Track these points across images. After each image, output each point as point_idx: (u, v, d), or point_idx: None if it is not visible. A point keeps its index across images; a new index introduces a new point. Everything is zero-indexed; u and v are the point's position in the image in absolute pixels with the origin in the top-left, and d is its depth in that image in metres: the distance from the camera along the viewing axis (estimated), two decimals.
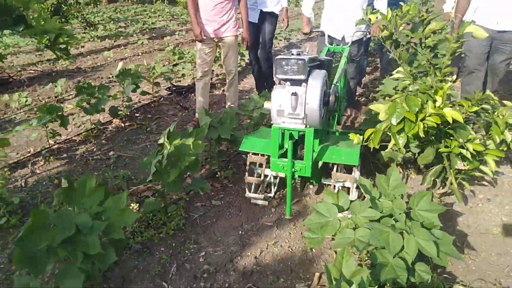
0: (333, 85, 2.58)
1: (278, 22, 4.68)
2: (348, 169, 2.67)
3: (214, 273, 2.20)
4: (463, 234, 2.44)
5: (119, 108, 4.28)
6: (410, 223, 1.82)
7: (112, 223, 1.87)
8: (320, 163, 2.60)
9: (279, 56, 2.23)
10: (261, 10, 4.32)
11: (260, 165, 2.80)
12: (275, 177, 2.96)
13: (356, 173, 2.58)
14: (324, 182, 2.82)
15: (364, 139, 2.34)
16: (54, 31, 1.77)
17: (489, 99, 2.42)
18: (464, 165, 2.30)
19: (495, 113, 2.37)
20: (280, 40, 8.62)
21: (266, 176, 2.83)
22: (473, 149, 2.23)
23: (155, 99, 5.08)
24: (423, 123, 2.09)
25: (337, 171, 2.56)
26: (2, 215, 2.63)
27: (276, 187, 2.95)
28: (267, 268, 2.25)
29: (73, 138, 3.99)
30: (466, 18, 3.29)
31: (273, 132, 2.41)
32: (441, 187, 2.66)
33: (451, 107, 2.13)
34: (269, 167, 2.58)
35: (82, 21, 10.47)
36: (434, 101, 2.13)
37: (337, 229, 1.90)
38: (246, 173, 2.76)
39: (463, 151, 2.26)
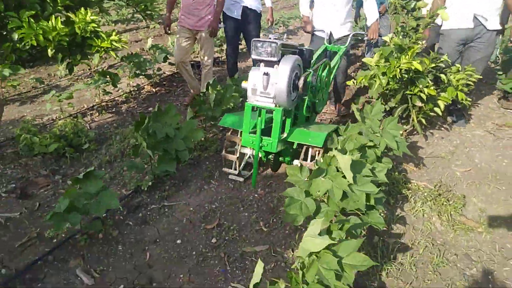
0: (307, 71, 2.75)
1: (262, 20, 4.74)
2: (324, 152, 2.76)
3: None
4: (421, 157, 3.42)
5: (152, 75, 5.17)
6: (382, 133, 2.77)
7: (187, 136, 2.81)
8: (295, 145, 2.80)
9: (255, 39, 2.47)
10: (243, 6, 4.26)
11: (238, 144, 2.99)
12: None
13: (321, 158, 2.64)
14: (295, 163, 2.92)
15: (357, 82, 3.25)
16: (145, 1, 2.65)
17: (443, 60, 3.37)
18: (422, 104, 3.26)
19: (447, 70, 3.33)
20: (280, 26, 9.51)
21: (244, 154, 3.07)
22: (428, 93, 3.19)
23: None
24: (399, 69, 3.03)
25: (309, 155, 2.74)
26: (84, 143, 3.53)
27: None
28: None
29: (116, 98, 4.88)
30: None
31: (246, 108, 2.61)
32: (407, 125, 3.62)
33: (417, 62, 3.07)
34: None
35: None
36: (407, 55, 3.07)
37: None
38: (223, 150, 3.01)
39: (422, 95, 3.22)
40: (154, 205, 2.78)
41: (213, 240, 2.48)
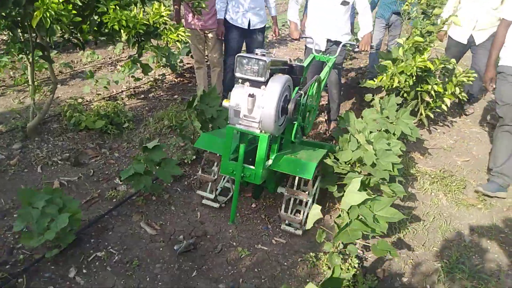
0: (296, 92, 2.51)
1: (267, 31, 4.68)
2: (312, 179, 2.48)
3: None
4: (426, 148, 3.85)
5: (175, 66, 5.53)
6: (397, 122, 3.19)
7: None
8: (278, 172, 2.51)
9: (240, 54, 2.17)
10: (250, 16, 4.08)
11: (216, 164, 2.77)
12: (232, 181, 2.86)
13: (311, 188, 2.53)
14: (280, 191, 2.70)
15: (378, 80, 3.65)
16: None
17: (451, 63, 3.83)
18: (429, 100, 3.71)
19: (454, 71, 3.79)
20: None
21: (221, 176, 2.82)
22: (437, 90, 3.63)
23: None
24: (415, 67, 3.45)
25: (296, 182, 2.49)
26: (123, 122, 3.87)
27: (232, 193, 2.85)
28: None
29: (142, 85, 5.22)
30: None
31: (227, 132, 2.31)
32: (414, 119, 4.05)
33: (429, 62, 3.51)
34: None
35: None
36: (422, 55, 3.51)
37: None
38: (200, 170, 2.70)
39: (432, 91, 3.66)
40: (196, 176, 3.14)
41: (253, 205, 2.86)
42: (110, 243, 2.42)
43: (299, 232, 2.58)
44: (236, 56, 2.19)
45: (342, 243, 2.27)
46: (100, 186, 2.97)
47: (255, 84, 2.22)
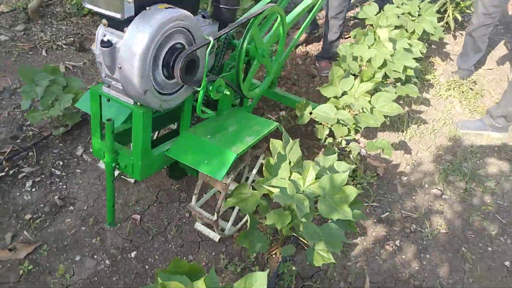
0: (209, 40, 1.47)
1: None
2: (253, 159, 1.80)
3: None
4: (448, 53, 3.61)
5: None
6: (420, 19, 2.93)
7: None
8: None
9: None
10: None
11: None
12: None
13: (229, 181, 1.65)
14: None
15: None
16: None
17: None
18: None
19: None
20: None
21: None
22: None
23: None
24: None
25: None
26: None
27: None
28: None
29: None
30: None
31: (91, 97, 1.54)
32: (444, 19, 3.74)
33: None
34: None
35: None
36: None
37: None
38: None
39: None
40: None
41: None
42: None
43: (216, 237, 1.82)
44: None
45: (345, 139, 2.26)
46: None
47: (115, 24, 1.34)
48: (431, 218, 2.12)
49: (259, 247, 1.51)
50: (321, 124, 2.24)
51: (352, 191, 1.36)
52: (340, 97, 2.22)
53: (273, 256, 1.86)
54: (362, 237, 1.99)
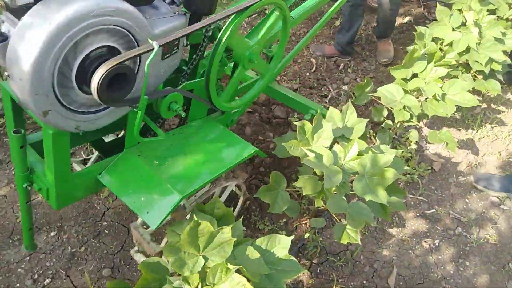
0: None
1: None
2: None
3: None
4: None
5: None
6: None
7: None
8: None
9: None
10: None
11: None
12: None
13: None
14: None
15: None
16: None
17: None
18: None
19: None
20: None
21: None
22: None
23: None
24: None
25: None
26: None
27: None
28: None
29: None
30: None
31: (2, 93, 1.22)
32: None
33: None
34: None
35: None
36: None
37: None
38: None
39: None
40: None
41: None
42: None
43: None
44: None
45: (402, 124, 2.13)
46: None
47: (13, 12, 0.97)
48: (482, 225, 1.96)
49: (285, 209, 1.50)
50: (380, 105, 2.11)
51: (391, 175, 1.28)
52: (410, 80, 2.07)
53: (303, 225, 1.86)
54: (399, 229, 1.91)
